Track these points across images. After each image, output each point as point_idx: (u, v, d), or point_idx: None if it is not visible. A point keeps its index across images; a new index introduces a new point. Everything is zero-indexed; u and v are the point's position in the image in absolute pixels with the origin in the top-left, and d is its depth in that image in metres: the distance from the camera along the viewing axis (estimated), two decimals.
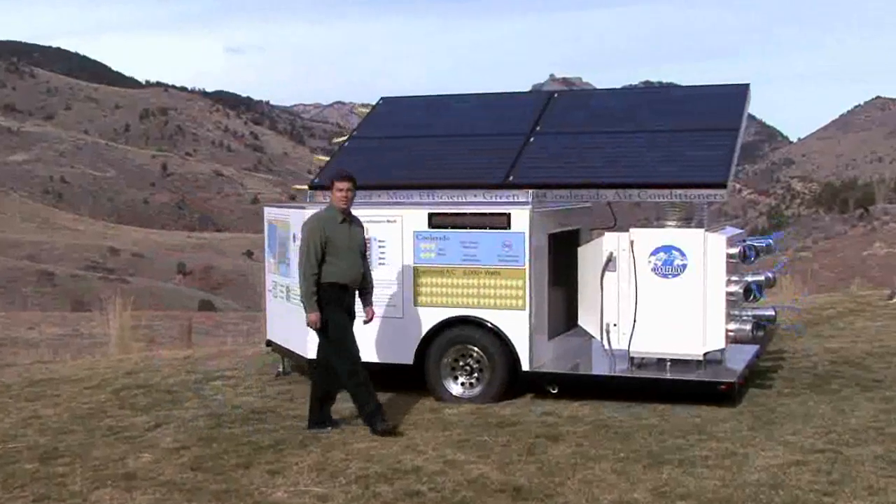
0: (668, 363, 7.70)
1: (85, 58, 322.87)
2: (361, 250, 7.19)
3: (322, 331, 7.01)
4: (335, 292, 6.99)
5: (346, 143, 9.46)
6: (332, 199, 7.13)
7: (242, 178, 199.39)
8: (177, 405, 8.28)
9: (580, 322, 8.15)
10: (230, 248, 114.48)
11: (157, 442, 7.03)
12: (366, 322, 7.30)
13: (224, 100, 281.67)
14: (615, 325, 7.74)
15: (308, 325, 7.01)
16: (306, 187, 8.99)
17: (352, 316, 7.14)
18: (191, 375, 9.65)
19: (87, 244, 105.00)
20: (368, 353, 8.04)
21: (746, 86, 8.68)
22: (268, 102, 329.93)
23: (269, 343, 9.60)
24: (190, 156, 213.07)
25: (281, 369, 9.35)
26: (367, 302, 7.27)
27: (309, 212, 8.30)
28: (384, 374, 7.98)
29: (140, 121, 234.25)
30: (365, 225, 7.66)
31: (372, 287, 7.35)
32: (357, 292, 7.23)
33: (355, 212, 7.34)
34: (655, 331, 7.62)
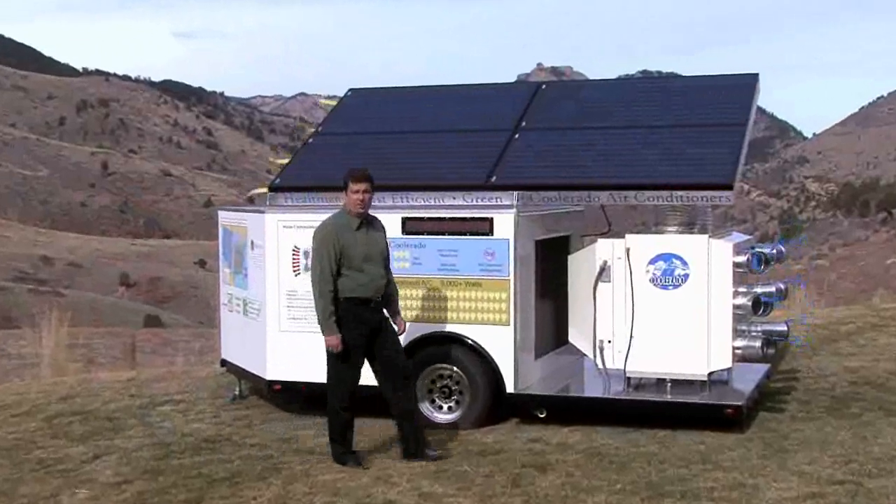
0: (669, 384, 7.75)
1: (11, 41, 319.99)
2: (384, 258, 7.05)
3: (330, 354, 6.89)
4: (354, 309, 6.85)
5: (311, 140, 9.47)
6: (347, 202, 6.95)
7: (194, 178, 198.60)
8: (118, 434, 8.24)
9: (571, 339, 8.18)
10: (180, 256, 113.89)
11: (95, 476, 6.99)
12: (400, 334, 7.20)
13: (173, 90, 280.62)
14: (609, 341, 7.78)
15: (327, 349, 6.87)
16: (265, 189, 8.98)
17: (379, 332, 6.97)
18: (135, 400, 9.60)
19: (15, 252, 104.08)
20: None
21: (755, 76, 8.76)
22: (222, 94, 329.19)
23: (223, 363, 9.57)
24: (134, 153, 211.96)
25: (237, 392, 9.33)
26: (394, 311, 7.16)
27: (269, 216, 8.32)
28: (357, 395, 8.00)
29: (77, 113, 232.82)
30: None
31: (397, 295, 7.24)
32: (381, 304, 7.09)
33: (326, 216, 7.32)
34: (654, 348, 7.66)
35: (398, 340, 7.16)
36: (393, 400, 7.01)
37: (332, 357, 6.91)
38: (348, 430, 7.04)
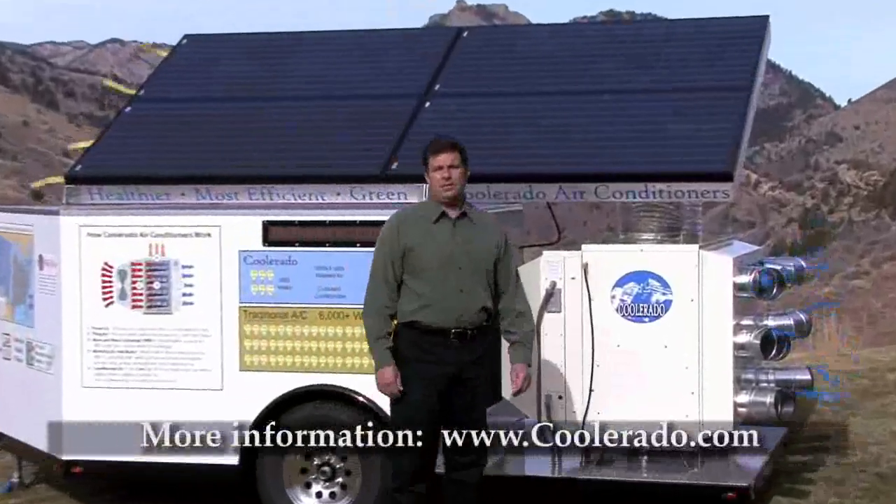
0: (645, 457, 7.85)
1: None
2: (488, 269, 6.76)
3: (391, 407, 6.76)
4: (418, 340, 6.67)
5: (128, 108, 9.41)
6: (430, 185, 6.86)
7: None
8: None
9: (506, 393, 8.25)
10: None
11: None
12: (515, 393, 7.02)
13: None
14: (560, 397, 7.86)
15: (378, 387, 6.70)
16: (61, 180, 8.89)
17: (462, 385, 6.78)
18: None
19: None
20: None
21: (765, 19, 8.94)
22: None
23: None
24: None
25: (16, 479, 9.23)
26: (518, 356, 6.89)
27: (67, 220, 8.23)
28: (195, 481, 7.96)
29: None
30: (164, 242, 7.66)
31: (527, 332, 6.96)
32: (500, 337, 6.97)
33: (189, 218, 7.35)
34: (624, 406, 7.74)
35: (483, 409, 7.02)
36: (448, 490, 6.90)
37: (391, 411, 6.77)
38: None
